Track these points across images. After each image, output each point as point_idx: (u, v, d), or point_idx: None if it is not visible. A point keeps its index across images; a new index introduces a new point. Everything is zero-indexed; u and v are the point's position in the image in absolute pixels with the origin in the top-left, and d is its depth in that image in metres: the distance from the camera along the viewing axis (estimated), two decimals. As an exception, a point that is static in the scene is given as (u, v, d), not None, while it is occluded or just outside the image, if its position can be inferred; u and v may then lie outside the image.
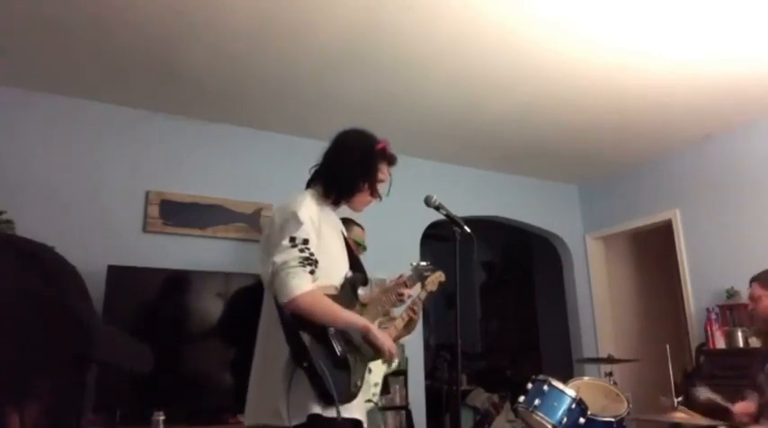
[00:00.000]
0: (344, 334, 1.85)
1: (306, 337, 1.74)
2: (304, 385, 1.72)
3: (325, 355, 1.76)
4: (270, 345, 1.84)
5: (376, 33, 3.01)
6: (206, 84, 3.52)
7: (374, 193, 2.04)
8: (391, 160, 2.07)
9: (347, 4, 2.76)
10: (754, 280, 2.62)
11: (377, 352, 1.94)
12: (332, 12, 2.82)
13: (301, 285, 1.72)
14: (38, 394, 0.52)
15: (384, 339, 1.89)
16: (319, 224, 1.89)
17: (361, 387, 1.87)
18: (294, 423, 1.69)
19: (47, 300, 0.55)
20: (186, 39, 3.03)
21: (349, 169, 1.99)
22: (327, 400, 1.71)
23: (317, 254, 1.84)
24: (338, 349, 1.80)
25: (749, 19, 2.95)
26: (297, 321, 1.75)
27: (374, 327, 1.88)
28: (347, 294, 1.96)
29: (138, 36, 2.99)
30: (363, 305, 2.07)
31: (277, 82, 3.51)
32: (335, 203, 2.03)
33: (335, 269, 1.95)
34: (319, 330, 1.79)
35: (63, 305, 0.56)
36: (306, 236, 1.80)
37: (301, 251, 1.77)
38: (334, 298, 1.87)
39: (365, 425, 1.91)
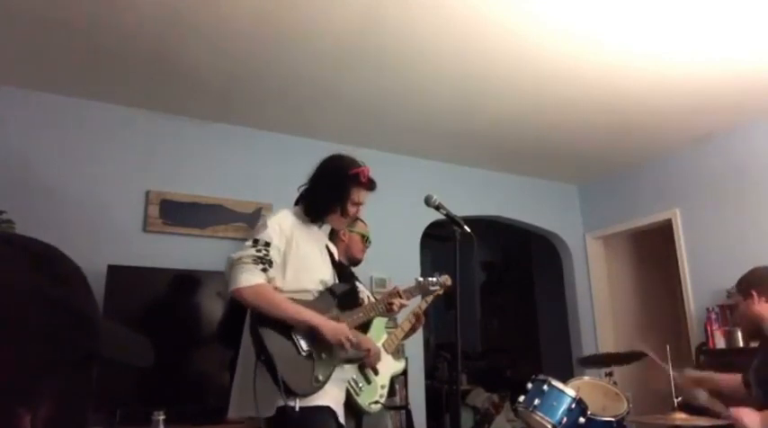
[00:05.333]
0: (310, 334, 1.96)
1: (266, 333, 1.88)
2: (268, 378, 1.84)
3: (287, 352, 1.90)
4: (248, 342, 1.98)
5: (376, 33, 3.01)
6: (206, 83, 3.52)
7: (344, 215, 2.18)
8: (367, 186, 2.18)
9: (347, 4, 2.76)
10: (737, 284, 2.63)
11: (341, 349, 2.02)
12: (332, 12, 2.82)
13: (249, 279, 1.90)
14: (48, 394, 0.53)
15: (333, 333, 1.96)
16: (291, 233, 2.05)
17: (324, 382, 1.95)
18: (266, 415, 1.84)
19: (58, 301, 0.55)
20: (186, 38, 3.03)
21: (323, 193, 2.16)
22: (288, 392, 1.83)
23: (289, 258, 2.02)
24: (301, 347, 1.93)
25: (749, 19, 2.95)
26: (259, 319, 1.91)
27: (323, 324, 1.96)
28: (324, 301, 2.08)
29: (138, 36, 2.99)
30: (342, 311, 2.14)
31: (277, 82, 3.51)
32: (313, 222, 2.19)
33: (309, 273, 2.08)
34: (282, 330, 1.93)
35: (73, 305, 0.57)
36: (268, 240, 1.99)
37: (258, 250, 1.96)
38: (308, 303, 2.01)
39: (340, 413, 2.01)
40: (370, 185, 2.19)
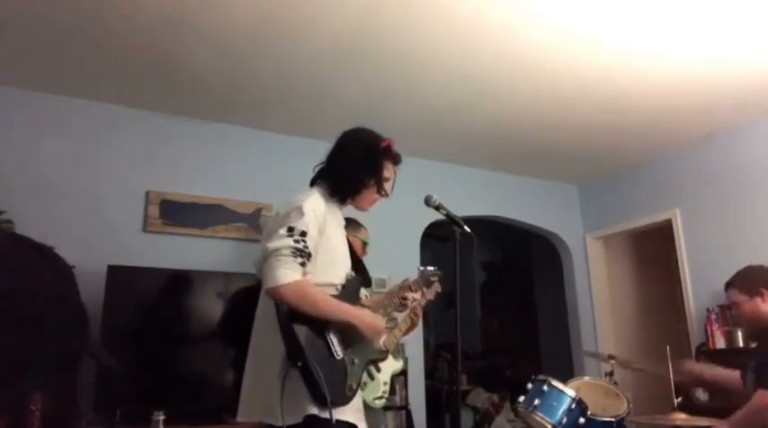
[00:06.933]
0: (343, 335, 1.84)
1: (302, 336, 1.73)
2: (299, 385, 1.70)
3: (322, 356, 1.75)
4: (265, 343, 1.84)
5: (376, 33, 3.01)
6: (206, 83, 3.52)
7: (380, 190, 2.04)
8: (396, 159, 2.09)
9: (347, 4, 2.76)
10: (729, 285, 2.53)
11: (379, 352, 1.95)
12: (332, 12, 2.81)
13: (287, 274, 1.72)
14: (49, 384, 0.56)
15: (369, 324, 1.87)
16: (324, 220, 1.89)
17: (356, 390, 1.86)
18: (289, 422, 1.69)
19: (61, 297, 0.59)
20: (186, 39, 3.03)
21: (354, 166, 2.00)
22: (322, 402, 1.69)
23: (319, 249, 1.85)
24: (335, 351, 1.79)
25: (749, 19, 2.95)
26: (292, 318, 1.74)
27: (360, 320, 1.85)
28: (349, 295, 1.96)
29: (138, 36, 2.99)
30: (365, 306, 2.08)
31: (277, 82, 3.51)
32: (341, 202, 2.04)
33: (337, 266, 1.96)
34: (317, 330, 1.78)
35: (73, 302, 0.60)
36: (304, 229, 1.80)
37: (296, 241, 1.77)
38: (335, 297, 1.88)
39: (361, 420, 1.90)
40: (399, 158, 2.10)
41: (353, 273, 2.04)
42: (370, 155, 2.02)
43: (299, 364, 1.69)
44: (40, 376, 0.55)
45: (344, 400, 1.79)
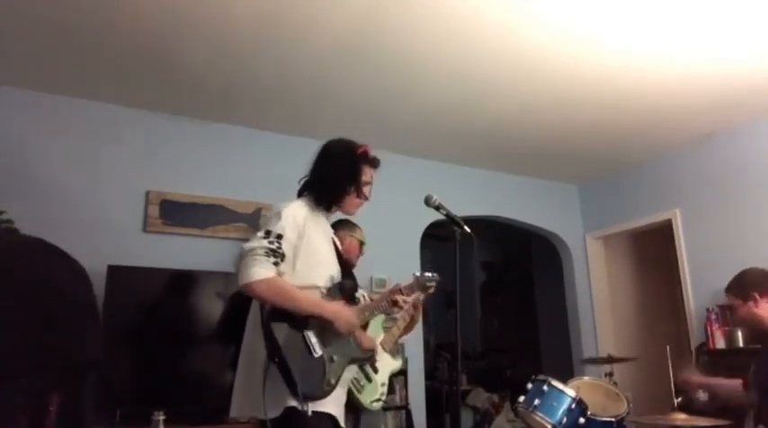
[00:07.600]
0: (322, 333, 1.93)
1: (281, 334, 1.83)
2: (279, 380, 1.80)
3: (300, 352, 1.85)
4: (254, 340, 1.93)
5: (376, 33, 3.01)
6: (206, 83, 3.52)
7: (360, 195, 2.16)
8: (373, 163, 2.20)
9: (347, 5, 2.76)
10: (727, 290, 2.58)
11: (359, 347, 2.02)
12: (332, 12, 2.82)
13: (260, 272, 1.84)
14: (63, 384, 0.58)
15: (347, 325, 1.95)
16: (304, 226, 2.00)
17: (335, 385, 1.92)
18: (271, 416, 1.79)
19: (85, 300, 0.61)
20: (186, 38, 3.03)
21: (335, 175, 2.13)
22: (301, 396, 1.79)
23: (300, 253, 1.97)
24: (313, 348, 1.88)
25: (749, 19, 2.95)
26: (271, 316, 1.85)
27: (330, 313, 1.93)
28: (335, 298, 2.04)
29: (138, 36, 2.99)
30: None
31: (277, 82, 3.51)
32: (327, 209, 2.15)
33: (319, 269, 2.04)
34: (296, 328, 1.88)
35: (94, 306, 0.63)
36: (281, 232, 1.93)
37: (270, 243, 1.90)
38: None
39: (341, 420, 1.98)
40: (376, 162, 2.21)
41: (339, 277, 2.12)
42: (349, 162, 2.15)
43: (276, 360, 1.80)
44: (52, 375, 0.55)
45: (322, 394, 1.87)
